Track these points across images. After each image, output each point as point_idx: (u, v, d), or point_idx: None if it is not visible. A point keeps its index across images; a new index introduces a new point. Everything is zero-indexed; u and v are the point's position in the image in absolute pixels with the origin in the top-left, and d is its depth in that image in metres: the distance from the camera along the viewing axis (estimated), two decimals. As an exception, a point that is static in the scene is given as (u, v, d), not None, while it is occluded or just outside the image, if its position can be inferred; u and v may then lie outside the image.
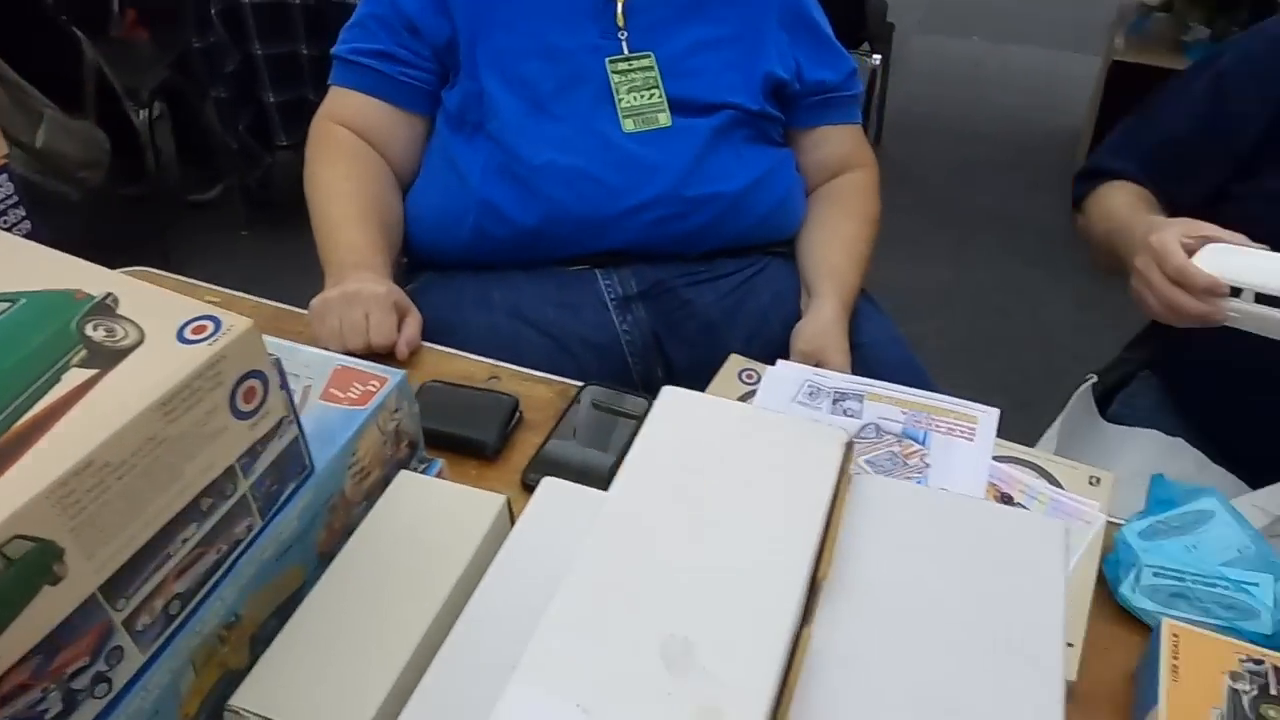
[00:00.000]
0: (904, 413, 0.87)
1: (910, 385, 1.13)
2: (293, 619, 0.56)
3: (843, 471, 0.43)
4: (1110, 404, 1.21)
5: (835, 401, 0.88)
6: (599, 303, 1.09)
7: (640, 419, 0.88)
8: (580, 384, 0.92)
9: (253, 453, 0.52)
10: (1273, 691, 0.61)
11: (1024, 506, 0.78)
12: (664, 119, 1.10)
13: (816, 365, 1.06)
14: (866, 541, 0.41)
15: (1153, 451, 1.08)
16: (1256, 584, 0.71)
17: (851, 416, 0.86)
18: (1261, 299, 0.83)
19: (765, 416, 0.45)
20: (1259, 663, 0.63)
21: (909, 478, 0.81)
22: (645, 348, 1.08)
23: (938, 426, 0.85)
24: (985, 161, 3.19)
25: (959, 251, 2.73)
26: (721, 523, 0.40)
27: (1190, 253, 0.87)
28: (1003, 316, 2.46)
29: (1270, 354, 0.86)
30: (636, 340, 1.08)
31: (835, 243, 1.17)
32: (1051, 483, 0.81)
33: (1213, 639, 0.65)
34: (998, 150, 3.26)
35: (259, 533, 0.55)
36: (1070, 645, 0.68)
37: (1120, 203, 1.08)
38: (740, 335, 1.10)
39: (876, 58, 2.72)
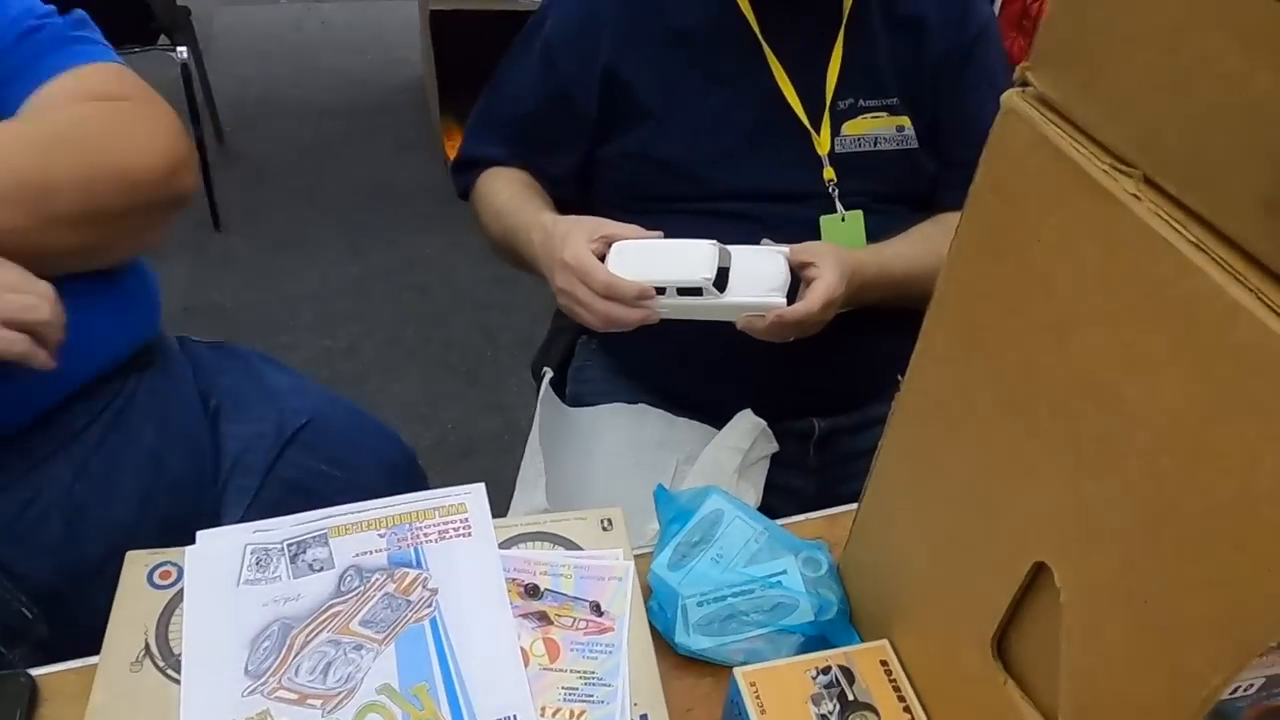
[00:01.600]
0: (382, 534, 0.70)
1: (359, 440, 0.94)
2: None
3: None
4: (565, 385, 1.18)
5: (294, 558, 0.68)
6: None
7: None
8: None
9: None
10: (851, 697, 0.59)
11: (553, 590, 0.68)
12: None
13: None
14: None
15: (624, 424, 1.07)
16: (784, 571, 0.69)
17: (322, 570, 0.67)
18: (682, 291, 0.84)
19: None
20: (826, 670, 0.61)
21: (420, 619, 0.65)
22: None
23: (427, 535, 0.70)
24: (343, 134, 3.03)
25: (352, 239, 2.56)
26: None
27: (600, 258, 0.84)
28: (422, 294, 2.38)
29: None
30: None
31: None
32: (568, 547, 0.71)
33: (781, 669, 0.61)
34: (352, 118, 3.11)
35: None
36: (663, 744, 0.60)
37: (505, 199, 1.02)
38: (131, 501, 0.79)
39: (182, 50, 2.35)
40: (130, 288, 0.85)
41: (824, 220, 0.98)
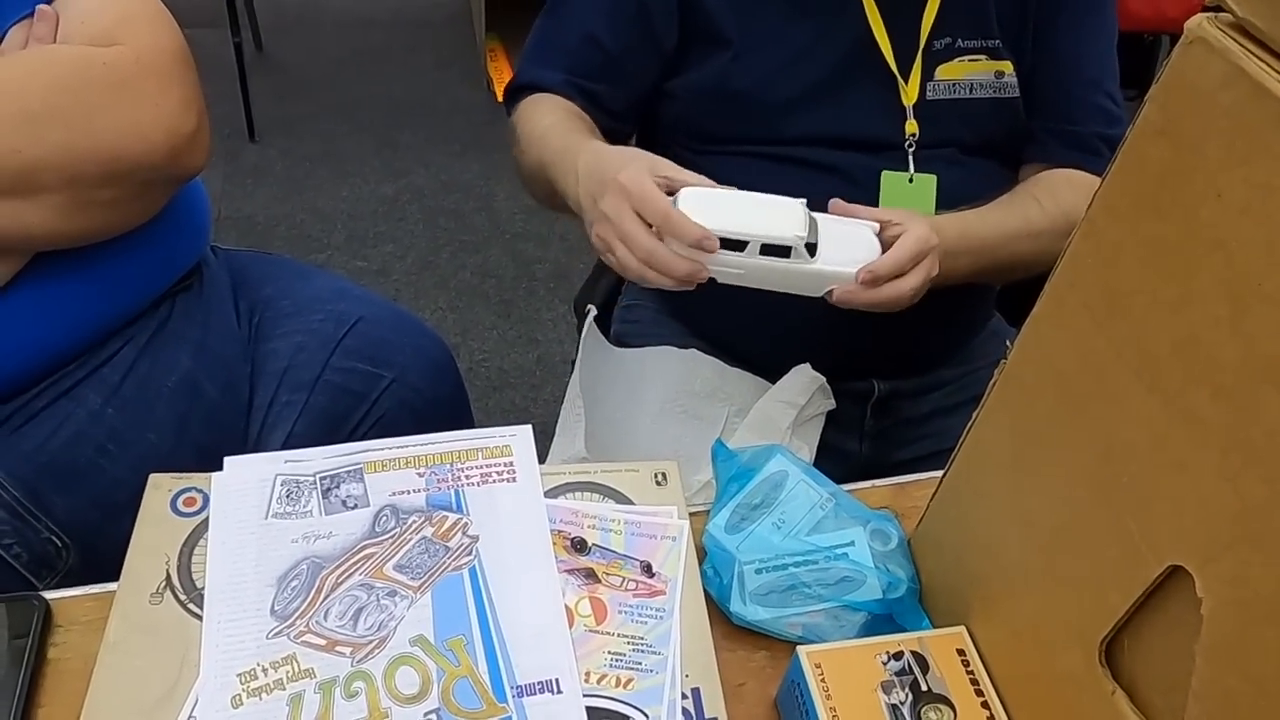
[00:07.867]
0: (421, 473, 0.65)
1: (401, 339, 0.90)
2: None
3: None
4: (610, 323, 1.12)
5: (327, 493, 0.63)
6: None
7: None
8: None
9: None
10: (924, 687, 0.54)
11: (602, 546, 0.63)
12: None
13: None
14: None
15: (673, 369, 1.01)
16: (850, 542, 0.64)
17: (355, 507, 0.63)
18: (766, 250, 0.74)
19: None
20: (899, 656, 0.56)
21: (459, 567, 0.60)
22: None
23: (469, 477, 0.65)
24: (383, 47, 2.94)
25: (387, 157, 2.49)
26: None
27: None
28: (457, 219, 2.31)
29: None
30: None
31: None
32: (619, 500, 0.66)
33: (850, 651, 0.56)
34: (392, 31, 3.02)
35: None
36: (715, 722, 0.55)
37: (550, 123, 0.90)
38: (165, 428, 0.75)
39: (223, -51, 2.27)
40: (181, 214, 0.79)
41: (885, 176, 0.90)
